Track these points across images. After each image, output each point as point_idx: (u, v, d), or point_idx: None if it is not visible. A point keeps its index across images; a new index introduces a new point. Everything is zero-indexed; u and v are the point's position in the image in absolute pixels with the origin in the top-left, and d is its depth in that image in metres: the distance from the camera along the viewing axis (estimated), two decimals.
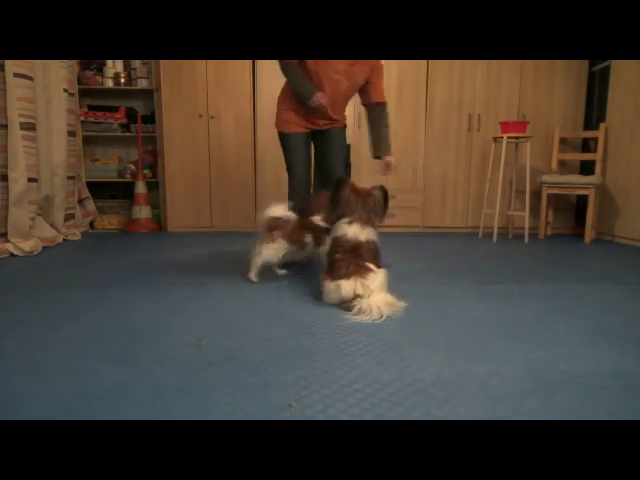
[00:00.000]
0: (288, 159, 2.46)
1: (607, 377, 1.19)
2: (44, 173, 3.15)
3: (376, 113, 2.43)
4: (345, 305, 1.72)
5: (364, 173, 4.04)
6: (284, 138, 2.43)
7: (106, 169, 4.16)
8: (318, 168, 2.54)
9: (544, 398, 1.07)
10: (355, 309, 1.67)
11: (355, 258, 1.81)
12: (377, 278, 1.77)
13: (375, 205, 1.93)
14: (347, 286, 1.74)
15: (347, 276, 1.76)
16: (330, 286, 1.78)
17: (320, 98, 2.21)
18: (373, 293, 1.72)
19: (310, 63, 2.23)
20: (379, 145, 2.44)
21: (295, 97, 2.29)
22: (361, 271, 1.77)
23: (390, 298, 1.74)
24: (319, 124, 2.43)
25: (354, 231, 1.88)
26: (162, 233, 3.94)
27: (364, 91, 2.41)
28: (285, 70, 2.26)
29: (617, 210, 3.66)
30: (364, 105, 2.47)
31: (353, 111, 3.85)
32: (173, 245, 3.28)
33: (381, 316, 1.62)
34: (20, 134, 2.79)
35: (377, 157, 2.47)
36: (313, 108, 2.26)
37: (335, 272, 1.80)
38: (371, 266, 1.79)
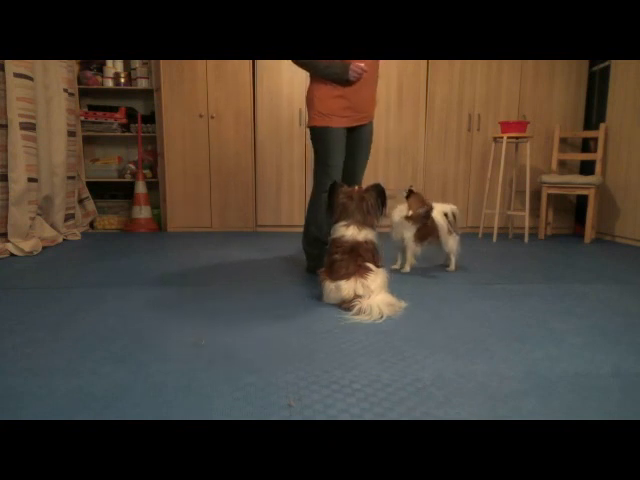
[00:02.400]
0: (329, 160, 2.23)
1: (607, 377, 1.19)
2: (44, 173, 3.15)
3: None
4: (345, 305, 1.72)
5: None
6: (326, 134, 2.21)
7: (106, 169, 4.16)
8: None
9: (544, 398, 1.07)
10: (355, 309, 1.67)
11: (354, 258, 1.81)
12: (377, 278, 1.77)
13: (370, 207, 1.92)
14: (347, 286, 1.74)
15: (347, 277, 1.76)
16: (330, 287, 1.78)
17: (357, 66, 2.08)
18: (373, 293, 1.72)
19: None
20: None
21: (333, 81, 2.14)
22: (361, 271, 1.77)
23: (390, 298, 1.74)
24: (358, 117, 2.26)
25: (352, 233, 1.88)
26: (162, 233, 3.94)
27: None
28: (308, 61, 2.14)
29: (617, 210, 3.66)
30: None
31: None
32: (173, 245, 3.28)
33: (381, 316, 1.62)
34: (20, 134, 2.79)
35: None
36: (355, 83, 2.13)
37: (335, 273, 1.80)
38: (371, 266, 1.79)
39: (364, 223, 1.90)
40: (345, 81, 2.14)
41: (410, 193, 2.37)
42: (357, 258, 1.81)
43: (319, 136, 2.24)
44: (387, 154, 4.03)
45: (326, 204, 2.07)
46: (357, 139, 2.33)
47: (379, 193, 1.94)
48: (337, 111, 2.20)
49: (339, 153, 2.25)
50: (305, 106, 2.40)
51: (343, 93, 2.18)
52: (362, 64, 2.10)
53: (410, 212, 2.32)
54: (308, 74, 2.30)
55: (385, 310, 1.65)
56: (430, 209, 2.35)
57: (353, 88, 2.18)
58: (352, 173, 2.36)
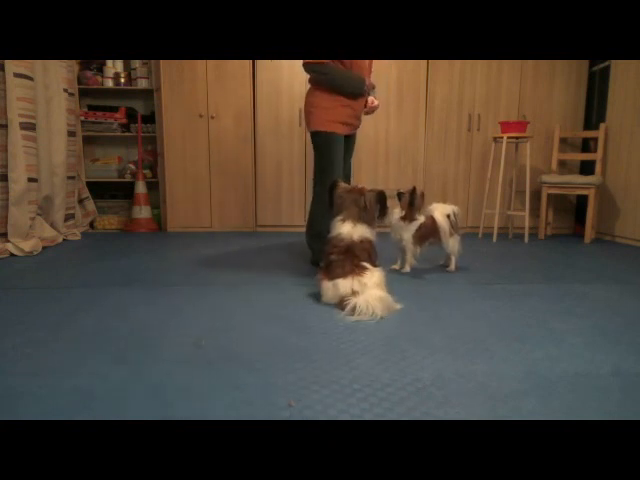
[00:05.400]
0: (332, 164, 2.34)
1: (607, 377, 1.19)
2: (44, 173, 3.15)
3: None
4: (342, 305, 1.72)
5: (364, 171, 4.04)
6: (332, 140, 2.33)
7: (106, 169, 4.16)
8: None
9: (544, 398, 1.07)
10: (349, 306, 1.66)
11: (350, 258, 1.82)
12: (373, 277, 1.77)
13: (366, 205, 1.93)
14: (344, 284, 1.75)
15: (344, 275, 1.77)
16: (328, 285, 1.79)
17: (369, 82, 2.33)
18: (368, 289, 1.72)
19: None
20: None
21: (347, 94, 2.31)
22: (357, 270, 1.78)
23: (384, 294, 1.73)
24: (356, 125, 2.46)
25: (347, 230, 1.89)
26: (162, 233, 3.94)
27: None
28: (326, 72, 2.22)
29: (617, 210, 3.66)
30: None
31: None
32: (173, 245, 3.28)
33: (373, 312, 1.62)
34: (20, 134, 2.79)
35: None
36: (363, 95, 2.36)
37: (332, 272, 1.81)
38: (367, 266, 1.80)
39: (359, 219, 1.91)
40: (359, 95, 2.33)
41: (401, 195, 2.40)
42: (353, 258, 1.82)
43: (326, 141, 2.34)
44: (387, 154, 4.03)
45: (327, 201, 2.09)
46: (348, 143, 2.51)
47: (379, 199, 1.95)
48: (344, 120, 2.34)
49: (341, 156, 2.39)
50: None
51: (350, 103, 2.34)
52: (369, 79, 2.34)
53: (403, 212, 2.35)
54: (307, 78, 2.35)
55: (378, 306, 1.64)
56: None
57: (357, 99, 2.35)
58: (344, 174, 2.52)
